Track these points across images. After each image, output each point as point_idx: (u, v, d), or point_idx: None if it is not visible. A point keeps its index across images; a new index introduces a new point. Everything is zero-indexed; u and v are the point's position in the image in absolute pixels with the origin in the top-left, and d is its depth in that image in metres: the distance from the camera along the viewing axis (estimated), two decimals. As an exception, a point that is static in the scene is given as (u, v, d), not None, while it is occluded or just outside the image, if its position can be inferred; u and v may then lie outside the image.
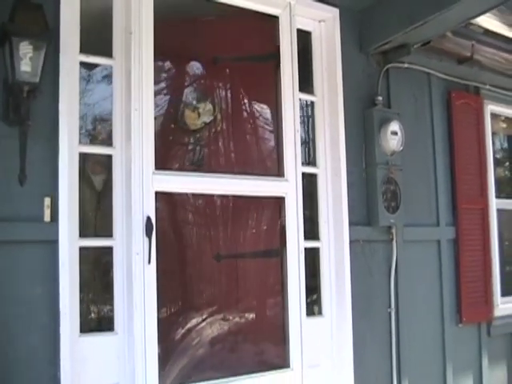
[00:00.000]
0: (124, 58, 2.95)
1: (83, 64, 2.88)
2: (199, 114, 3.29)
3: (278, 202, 3.53)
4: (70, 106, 2.72)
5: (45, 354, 2.67)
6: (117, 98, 2.94)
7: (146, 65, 2.93)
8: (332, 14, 3.82)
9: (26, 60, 2.44)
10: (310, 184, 3.81)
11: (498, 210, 5.02)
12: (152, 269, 2.82)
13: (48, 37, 2.50)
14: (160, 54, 3.03)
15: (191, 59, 3.36)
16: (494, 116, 5.14)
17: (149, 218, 2.81)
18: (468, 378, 4.55)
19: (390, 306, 4.03)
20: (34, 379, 2.65)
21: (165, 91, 3.22)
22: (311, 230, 3.79)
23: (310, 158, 3.88)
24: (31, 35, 2.45)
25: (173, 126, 3.25)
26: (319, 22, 3.85)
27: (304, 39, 3.82)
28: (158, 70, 3.05)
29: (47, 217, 2.64)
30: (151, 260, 2.81)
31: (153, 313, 2.84)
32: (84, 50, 2.83)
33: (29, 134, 2.56)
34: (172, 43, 3.18)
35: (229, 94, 3.51)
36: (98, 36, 2.97)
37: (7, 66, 2.44)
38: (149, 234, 2.80)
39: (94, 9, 2.94)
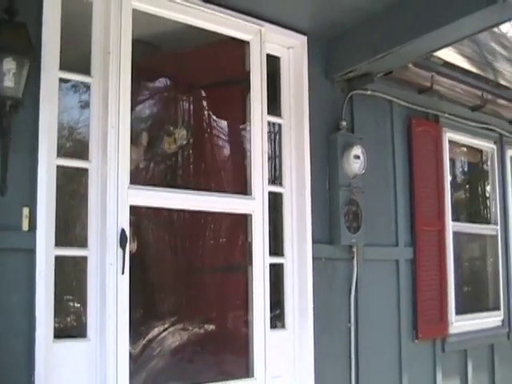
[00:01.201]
0: (102, 77, 3.07)
1: (63, 80, 2.98)
2: (175, 140, 3.47)
3: (245, 219, 3.66)
4: (49, 120, 2.83)
5: (21, 359, 2.73)
6: (94, 114, 3.05)
7: (123, 84, 3.06)
8: (300, 41, 3.99)
9: (10, 76, 2.54)
10: (275, 202, 3.94)
11: (454, 233, 5.18)
12: (125, 279, 2.94)
13: (31, 54, 2.60)
14: (137, 75, 3.16)
15: (167, 85, 3.53)
16: (452, 143, 5.31)
17: (123, 230, 2.93)
18: None
19: (349, 321, 4.15)
20: (12, 381, 2.71)
21: (142, 113, 3.37)
22: (276, 246, 3.90)
23: (276, 178, 3.99)
24: (15, 52, 2.55)
25: (151, 148, 3.40)
26: (288, 48, 4.02)
27: (273, 64, 3.97)
28: (135, 92, 3.19)
29: (25, 226, 2.73)
30: (124, 270, 2.93)
31: (125, 320, 2.95)
32: (64, 67, 2.93)
33: (10, 147, 2.64)
34: (150, 67, 3.34)
35: (202, 119, 3.68)
36: (77, 54, 3.11)
37: None
38: (123, 245, 2.92)
39: (75, 28, 3.06)
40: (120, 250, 2.92)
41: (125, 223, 2.96)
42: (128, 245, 2.92)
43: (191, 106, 3.66)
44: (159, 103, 3.62)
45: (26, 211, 2.73)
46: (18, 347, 2.74)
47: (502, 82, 5.41)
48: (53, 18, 2.86)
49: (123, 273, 2.92)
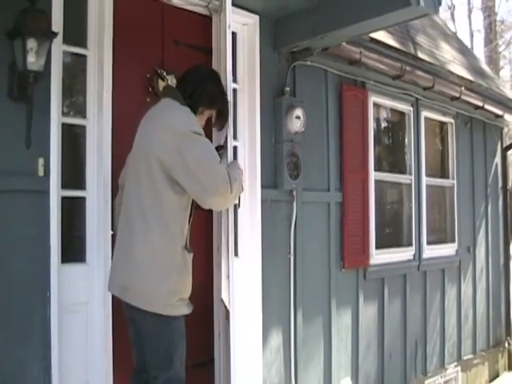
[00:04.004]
0: (97, 49, 3.60)
1: (66, 52, 3.50)
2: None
3: None
4: (57, 86, 3.35)
5: (38, 279, 3.23)
6: (90, 81, 3.61)
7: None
8: (253, 20, 4.46)
9: (32, 53, 3.05)
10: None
11: (376, 181, 5.74)
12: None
13: (50, 35, 3.14)
14: (129, 40, 3.74)
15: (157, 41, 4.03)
16: (376, 105, 5.88)
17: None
18: (347, 310, 5.35)
19: (290, 253, 4.72)
20: (30, 297, 3.20)
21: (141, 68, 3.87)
22: None
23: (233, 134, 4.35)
24: (36, 34, 3.06)
25: (150, 89, 3.88)
26: (243, 25, 4.49)
27: (231, 39, 4.27)
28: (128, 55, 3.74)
29: (41, 172, 3.26)
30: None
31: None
32: (65, 40, 3.43)
33: (33, 110, 3.19)
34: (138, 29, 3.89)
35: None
36: (76, 30, 3.59)
37: (18, 56, 3.07)
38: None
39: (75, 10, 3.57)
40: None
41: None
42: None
43: (177, 63, 4.03)
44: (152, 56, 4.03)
45: (41, 161, 3.26)
46: (36, 269, 3.23)
47: (420, 55, 6.04)
48: (59, 7, 3.38)
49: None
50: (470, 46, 22.66)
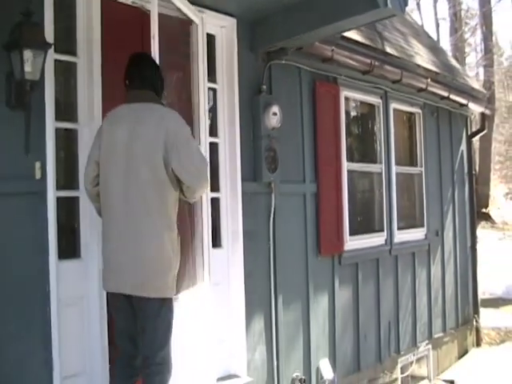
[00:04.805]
0: (86, 56, 3.79)
1: (56, 61, 3.64)
2: None
3: None
4: (50, 93, 3.52)
5: (37, 275, 3.40)
6: (80, 87, 3.80)
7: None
8: (231, 22, 4.66)
9: (28, 63, 3.22)
10: (213, 150, 4.61)
11: (348, 171, 5.95)
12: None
13: (45, 46, 3.31)
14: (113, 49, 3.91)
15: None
16: (347, 99, 6.11)
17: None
18: (324, 295, 5.61)
19: (269, 242, 4.94)
20: (31, 292, 3.39)
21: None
22: (213, 184, 4.49)
23: (213, 131, 4.63)
24: (32, 46, 3.23)
25: None
26: (221, 27, 4.68)
27: (210, 41, 4.57)
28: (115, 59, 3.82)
29: (38, 175, 3.44)
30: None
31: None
32: (57, 49, 3.59)
33: (31, 117, 3.35)
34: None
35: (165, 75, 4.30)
36: (66, 38, 3.76)
37: (16, 67, 3.24)
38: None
39: (64, 20, 3.74)
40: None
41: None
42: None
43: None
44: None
45: (38, 164, 3.44)
46: (35, 266, 3.40)
47: (388, 50, 6.30)
48: (50, 19, 3.56)
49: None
50: (436, 35, 23.09)
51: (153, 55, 3.61)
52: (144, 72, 3.41)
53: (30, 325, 3.43)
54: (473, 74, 24.15)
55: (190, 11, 4.20)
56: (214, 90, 4.75)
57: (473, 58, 28.29)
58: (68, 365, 3.63)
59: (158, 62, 3.57)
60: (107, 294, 3.47)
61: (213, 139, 4.66)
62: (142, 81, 3.37)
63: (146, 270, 3.16)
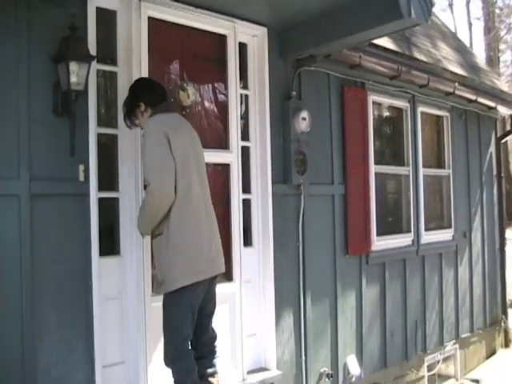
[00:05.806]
0: (126, 66, 4.03)
1: (99, 71, 3.93)
2: (189, 95, 4.40)
3: (226, 167, 4.65)
4: (93, 101, 3.78)
5: (82, 270, 3.69)
6: (120, 94, 4.00)
7: (143, 70, 4.04)
8: (262, 31, 4.85)
9: (74, 74, 3.50)
10: (245, 154, 4.80)
11: (376, 173, 6.04)
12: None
13: (89, 58, 3.57)
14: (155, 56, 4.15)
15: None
16: (375, 103, 6.20)
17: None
18: (352, 293, 5.72)
19: (298, 242, 5.06)
20: (76, 286, 3.67)
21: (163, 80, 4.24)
22: (246, 186, 4.77)
23: (245, 136, 4.80)
24: (77, 58, 3.51)
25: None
26: (252, 36, 4.89)
27: (242, 49, 4.81)
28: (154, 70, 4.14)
29: (82, 178, 3.70)
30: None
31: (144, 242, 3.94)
32: (99, 60, 3.85)
33: (76, 124, 3.62)
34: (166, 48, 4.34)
35: (202, 83, 4.57)
36: (107, 49, 4.02)
37: (62, 78, 3.52)
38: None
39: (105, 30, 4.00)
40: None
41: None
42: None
43: (195, 74, 4.51)
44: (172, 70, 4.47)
45: (82, 167, 3.71)
46: (80, 262, 3.68)
47: (416, 55, 6.40)
48: (92, 32, 3.83)
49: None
50: (468, 35, 22.86)
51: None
52: (160, 90, 3.83)
53: (75, 316, 3.70)
54: (509, 72, 23.78)
55: (223, 28, 4.57)
56: (246, 96, 4.94)
57: (508, 55, 27.80)
58: (108, 354, 3.90)
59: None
60: (188, 286, 3.53)
61: (244, 143, 4.86)
62: (161, 96, 3.77)
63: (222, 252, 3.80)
